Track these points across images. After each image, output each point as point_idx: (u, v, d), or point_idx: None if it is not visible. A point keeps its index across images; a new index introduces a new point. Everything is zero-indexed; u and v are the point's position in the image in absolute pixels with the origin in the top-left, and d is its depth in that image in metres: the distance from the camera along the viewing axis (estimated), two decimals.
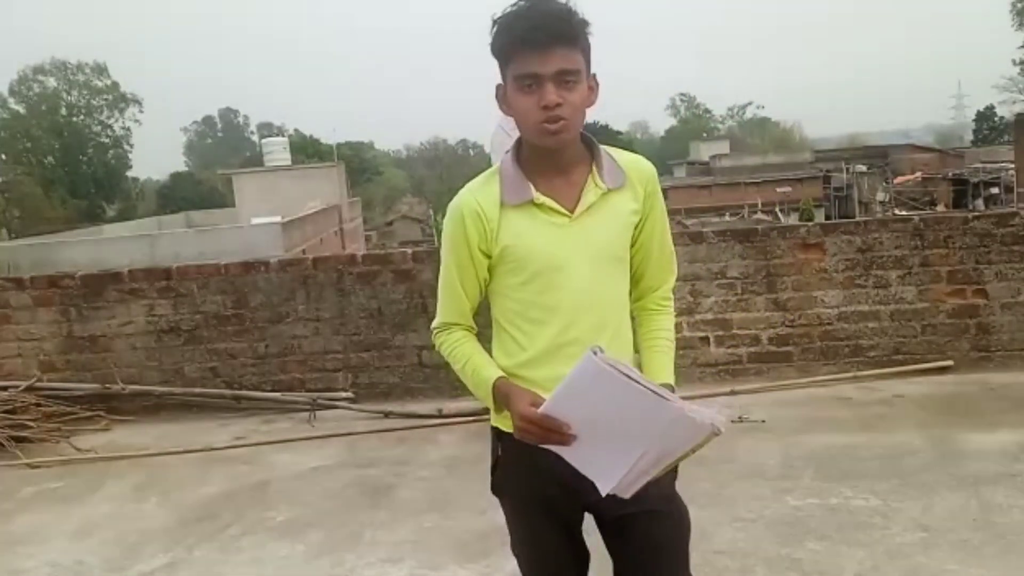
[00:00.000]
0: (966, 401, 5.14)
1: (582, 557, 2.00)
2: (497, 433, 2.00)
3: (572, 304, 1.85)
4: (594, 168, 1.86)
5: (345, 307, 6.18)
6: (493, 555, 3.54)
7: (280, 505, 4.34)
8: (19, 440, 5.49)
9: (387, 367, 6.18)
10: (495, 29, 1.77)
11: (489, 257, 1.89)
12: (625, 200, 1.88)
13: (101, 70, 57.69)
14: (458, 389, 6.13)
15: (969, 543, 3.33)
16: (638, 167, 1.91)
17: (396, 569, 3.54)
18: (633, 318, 2.01)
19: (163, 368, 6.30)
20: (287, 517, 4.17)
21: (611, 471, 1.67)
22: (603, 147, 1.90)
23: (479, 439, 5.15)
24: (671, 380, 1.88)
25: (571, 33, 1.74)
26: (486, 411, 6.39)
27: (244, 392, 6.14)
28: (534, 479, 1.89)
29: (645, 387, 1.59)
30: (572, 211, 1.84)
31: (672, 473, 1.87)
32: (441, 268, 1.99)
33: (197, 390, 6.19)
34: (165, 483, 4.80)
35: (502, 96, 1.83)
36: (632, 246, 1.93)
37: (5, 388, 5.98)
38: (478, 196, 1.87)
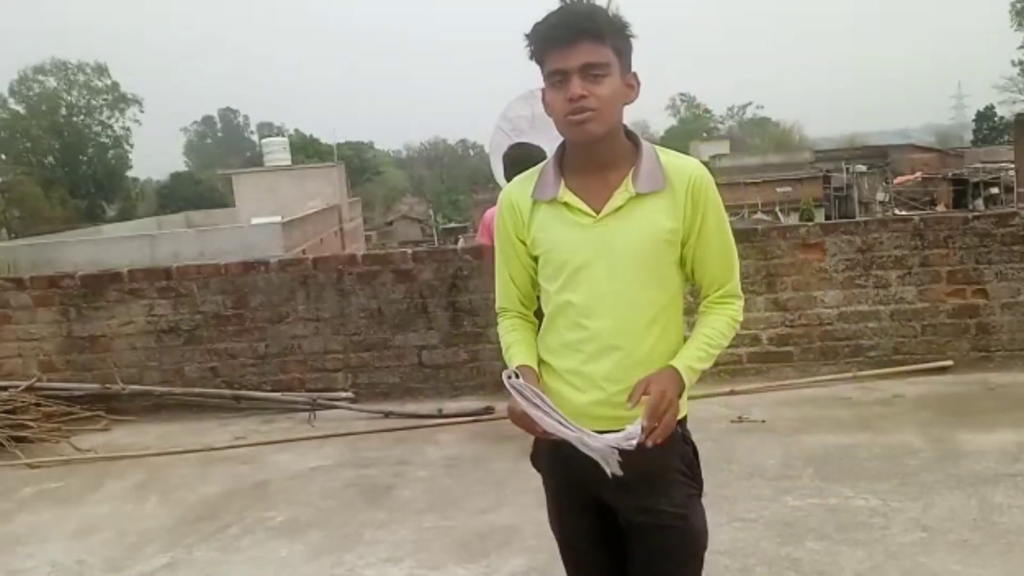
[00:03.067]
0: (966, 401, 5.14)
1: (609, 541, 2.01)
2: None
3: (590, 303, 1.88)
4: (631, 172, 1.86)
5: (345, 307, 6.18)
6: (493, 555, 3.54)
7: (280, 505, 4.34)
8: (19, 440, 5.49)
9: (387, 367, 6.18)
10: (528, 35, 1.84)
11: (526, 244, 1.96)
12: (658, 207, 1.87)
13: (101, 70, 57.69)
14: (458, 389, 6.15)
15: (969, 543, 3.33)
16: (682, 171, 1.88)
17: (396, 569, 3.54)
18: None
19: (163, 368, 6.30)
20: (287, 517, 4.17)
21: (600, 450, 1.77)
22: (654, 148, 1.91)
23: (479, 439, 5.16)
24: (680, 364, 1.87)
25: (595, 28, 1.77)
26: (486, 411, 6.38)
27: (244, 392, 6.14)
28: (556, 465, 1.99)
29: (548, 413, 1.73)
30: (599, 211, 1.86)
31: (689, 487, 1.94)
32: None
33: (197, 390, 6.19)
34: (165, 483, 4.80)
35: (544, 100, 1.87)
36: (684, 249, 1.92)
37: (5, 388, 5.97)
38: (516, 189, 1.98)
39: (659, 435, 1.75)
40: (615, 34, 1.81)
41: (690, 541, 1.94)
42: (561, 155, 1.92)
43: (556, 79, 1.80)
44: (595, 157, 1.86)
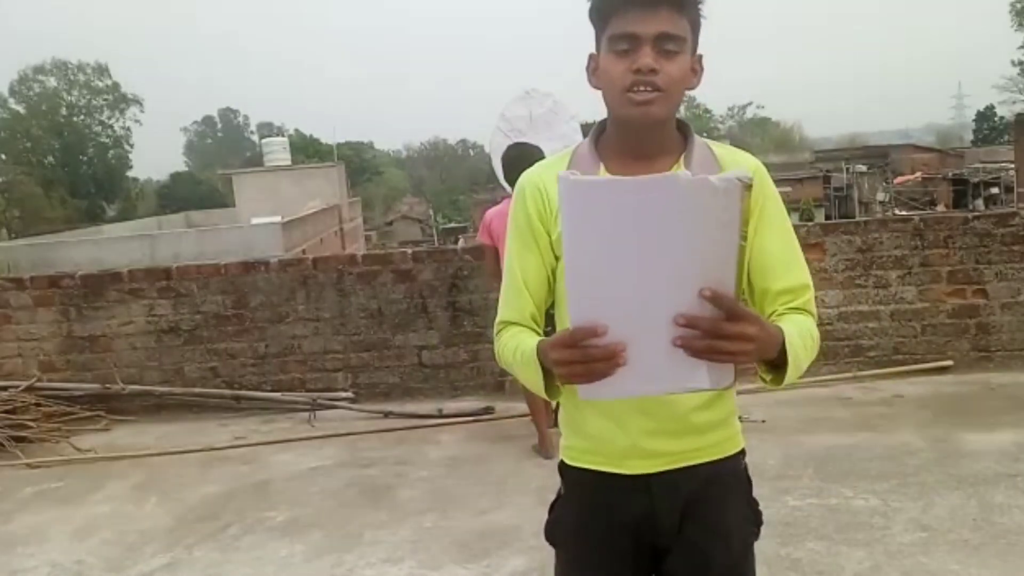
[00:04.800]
0: (966, 401, 5.15)
1: None
2: (561, 469, 1.72)
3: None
4: (682, 158, 1.60)
5: (345, 307, 6.18)
6: (493, 555, 3.54)
7: (280, 505, 4.34)
8: (19, 440, 5.50)
9: (387, 367, 6.19)
10: None
11: (551, 237, 1.63)
12: None
13: (102, 70, 57.67)
14: (458, 389, 6.16)
15: (969, 543, 3.33)
16: (739, 162, 1.61)
17: (396, 569, 3.54)
18: None
19: (163, 368, 6.30)
20: (287, 517, 4.17)
21: (684, 360, 1.27)
22: (703, 139, 1.66)
23: (479, 439, 5.17)
24: (789, 340, 1.43)
25: None
26: (486, 411, 6.37)
27: (244, 392, 6.14)
28: (599, 525, 1.64)
29: (635, 177, 1.29)
30: None
31: (750, 533, 1.69)
32: (504, 264, 1.74)
33: (197, 390, 6.19)
34: (165, 483, 4.80)
35: (592, 68, 1.61)
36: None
37: (5, 388, 5.98)
38: (543, 171, 1.66)
39: (700, 350, 1.25)
40: (693, 7, 1.55)
41: None
42: (598, 137, 1.65)
43: (622, 46, 1.51)
44: (643, 143, 1.60)
